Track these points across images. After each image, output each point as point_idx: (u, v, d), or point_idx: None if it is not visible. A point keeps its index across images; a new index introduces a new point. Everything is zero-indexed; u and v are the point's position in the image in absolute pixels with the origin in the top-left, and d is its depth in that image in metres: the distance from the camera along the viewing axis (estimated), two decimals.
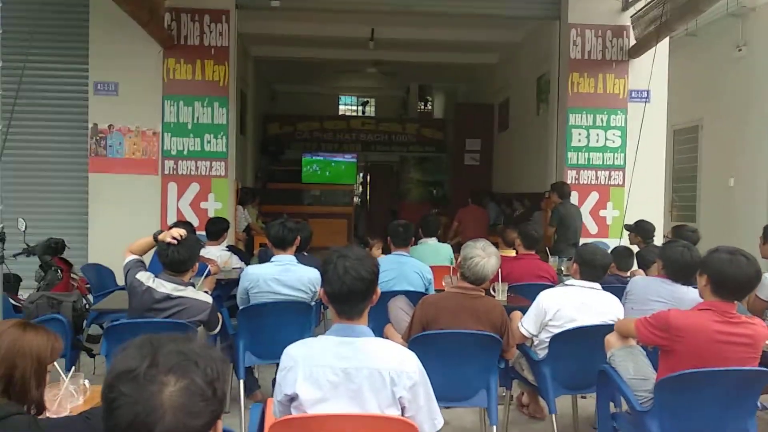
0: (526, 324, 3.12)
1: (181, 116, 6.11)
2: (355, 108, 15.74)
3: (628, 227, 5.31)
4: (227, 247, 5.02)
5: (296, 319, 3.48)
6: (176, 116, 6.11)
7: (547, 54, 7.13)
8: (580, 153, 6.42)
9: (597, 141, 6.41)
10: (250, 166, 10.28)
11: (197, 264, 3.12)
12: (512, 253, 4.54)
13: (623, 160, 6.37)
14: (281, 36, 8.60)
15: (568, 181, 6.28)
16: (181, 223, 4.28)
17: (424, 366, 1.84)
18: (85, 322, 3.88)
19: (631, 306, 3.30)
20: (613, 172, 6.41)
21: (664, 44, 6.14)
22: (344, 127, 13.43)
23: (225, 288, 4.40)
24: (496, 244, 3.08)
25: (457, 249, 5.21)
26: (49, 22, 6.00)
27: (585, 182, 6.40)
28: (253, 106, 10.21)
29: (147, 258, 3.27)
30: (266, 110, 12.53)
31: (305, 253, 4.39)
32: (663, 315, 2.48)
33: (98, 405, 1.37)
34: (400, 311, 3.27)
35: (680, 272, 3.19)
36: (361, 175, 13.96)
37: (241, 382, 3.46)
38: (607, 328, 2.89)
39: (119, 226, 5.62)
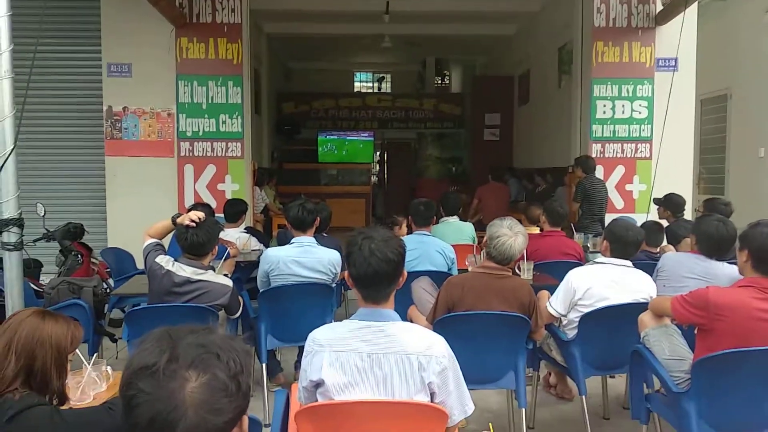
0: (555, 304, 3.03)
1: (195, 96, 6.04)
2: (370, 84, 15.55)
3: (657, 201, 5.15)
4: (246, 229, 4.98)
5: (318, 302, 3.43)
6: (190, 96, 6.04)
7: (569, 23, 6.90)
8: (605, 125, 6.22)
9: (623, 112, 6.21)
10: (266, 146, 10.22)
11: (216, 247, 3.07)
12: (536, 230, 4.42)
13: (650, 131, 6.17)
14: (294, 11, 8.45)
15: (593, 155, 6.12)
16: (200, 205, 4.24)
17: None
18: (106, 306, 3.87)
19: (663, 283, 3.20)
20: (639, 145, 6.22)
21: (692, 9, 5.88)
22: (360, 105, 13.27)
23: (244, 270, 4.37)
24: (518, 221, 2.98)
25: (477, 227, 5.13)
26: (60, 3, 5.94)
27: (610, 156, 6.22)
28: (268, 84, 10.10)
29: (166, 242, 3.23)
30: (281, 89, 12.42)
31: (324, 234, 4.33)
32: (702, 292, 2.37)
33: None
34: (424, 292, 3.19)
35: (715, 247, 3.07)
36: (378, 153, 13.83)
37: (264, 366, 3.44)
38: (640, 307, 2.79)
39: (137, 209, 5.63)
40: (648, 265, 3.44)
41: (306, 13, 8.54)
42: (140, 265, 3.59)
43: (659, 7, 6.12)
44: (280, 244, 4.07)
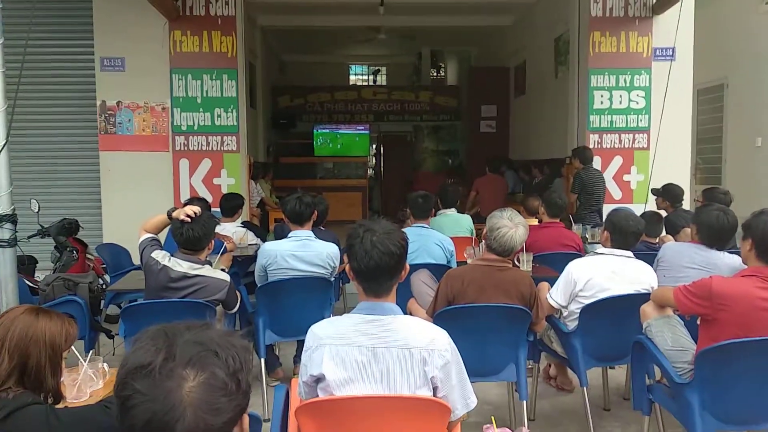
0: (555, 295, 3.01)
1: (189, 90, 5.98)
2: (366, 77, 15.45)
3: (655, 191, 5.13)
4: (242, 223, 4.94)
5: (316, 296, 3.41)
6: (185, 90, 5.98)
7: (566, 13, 6.86)
8: (602, 116, 6.19)
9: (620, 103, 6.17)
10: (262, 140, 10.14)
11: (213, 241, 3.04)
12: (535, 221, 4.40)
13: (648, 121, 6.14)
14: (288, 3, 8.37)
15: (590, 146, 6.09)
16: (196, 199, 4.19)
17: None
18: (102, 302, 3.84)
19: (664, 273, 3.18)
20: (637, 135, 6.19)
21: None
22: (355, 98, 13.19)
23: (242, 265, 4.34)
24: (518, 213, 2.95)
25: (475, 219, 5.10)
26: None
27: (608, 146, 6.19)
28: (263, 78, 10.02)
29: (162, 237, 3.19)
30: (276, 82, 12.33)
31: (322, 228, 4.30)
32: (705, 282, 2.35)
33: None
34: (423, 285, 3.17)
35: (716, 237, 3.05)
36: (374, 146, 13.78)
37: (262, 361, 3.41)
38: (641, 298, 2.77)
39: (132, 204, 5.58)
40: (648, 255, 3.42)
41: (300, 5, 8.46)
42: (136, 260, 3.55)
43: None
44: (277, 239, 4.04)
